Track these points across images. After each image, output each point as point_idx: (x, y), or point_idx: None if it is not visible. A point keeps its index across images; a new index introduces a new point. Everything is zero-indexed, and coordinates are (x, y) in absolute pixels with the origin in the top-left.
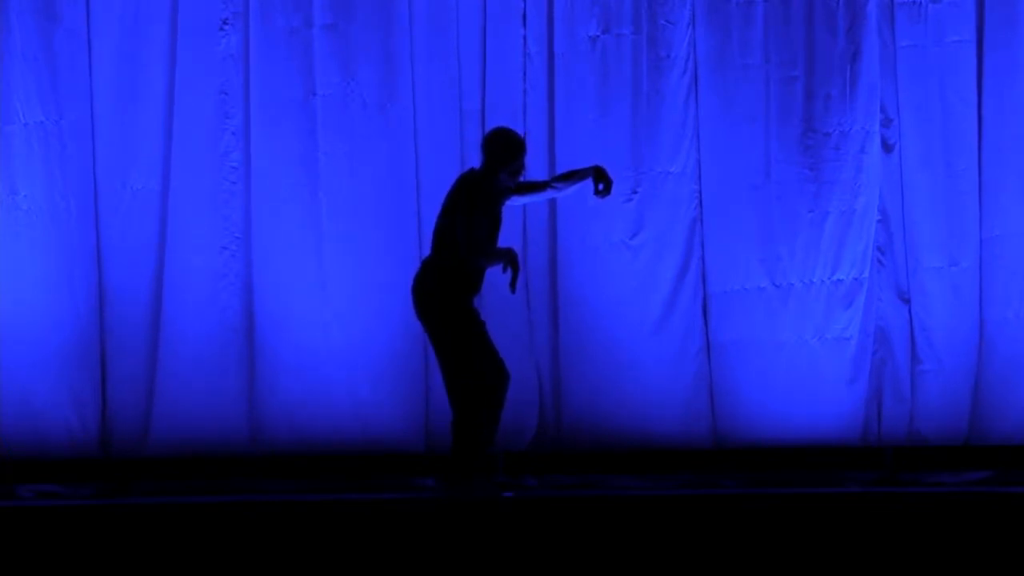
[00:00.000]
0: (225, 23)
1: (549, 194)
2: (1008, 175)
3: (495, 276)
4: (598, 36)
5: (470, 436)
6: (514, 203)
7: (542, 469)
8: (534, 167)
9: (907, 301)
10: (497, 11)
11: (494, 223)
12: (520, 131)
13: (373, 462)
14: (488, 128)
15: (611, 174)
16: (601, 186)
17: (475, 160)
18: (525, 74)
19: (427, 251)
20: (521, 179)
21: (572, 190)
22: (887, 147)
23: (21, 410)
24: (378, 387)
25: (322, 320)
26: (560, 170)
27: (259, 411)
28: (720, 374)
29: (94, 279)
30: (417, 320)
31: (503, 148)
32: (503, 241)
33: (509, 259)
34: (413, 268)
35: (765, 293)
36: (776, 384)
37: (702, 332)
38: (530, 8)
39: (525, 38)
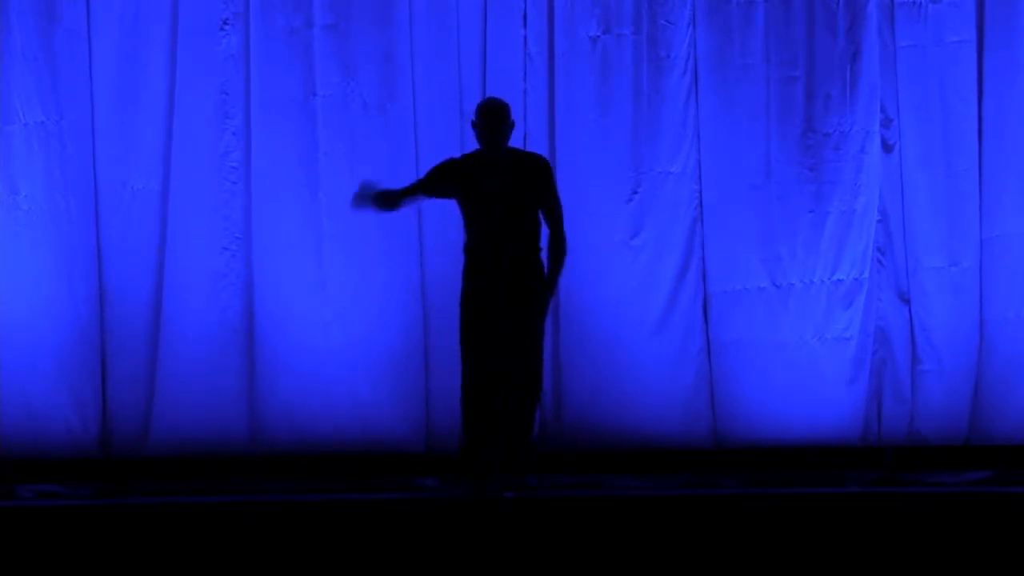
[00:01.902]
0: (225, 23)
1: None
2: (1008, 175)
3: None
4: (598, 36)
5: (462, 435)
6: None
7: (542, 469)
8: None
9: (907, 301)
10: (497, 11)
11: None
12: (520, 131)
13: (373, 462)
14: None
15: (611, 174)
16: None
17: None
18: (525, 74)
19: (427, 252)
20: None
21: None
22: (887, 147)
23: (21, 410)
24: (378, 387)
25: (322, 320)
26: (560, 170)
27: (259, 411)
28: (720, 374)
29: (94, 279)
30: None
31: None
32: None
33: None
34: (413, 268)
35: (765, 293)
36: (776, 384)
37: (702, 332)
38: (530, 8)
39: (525, 38)
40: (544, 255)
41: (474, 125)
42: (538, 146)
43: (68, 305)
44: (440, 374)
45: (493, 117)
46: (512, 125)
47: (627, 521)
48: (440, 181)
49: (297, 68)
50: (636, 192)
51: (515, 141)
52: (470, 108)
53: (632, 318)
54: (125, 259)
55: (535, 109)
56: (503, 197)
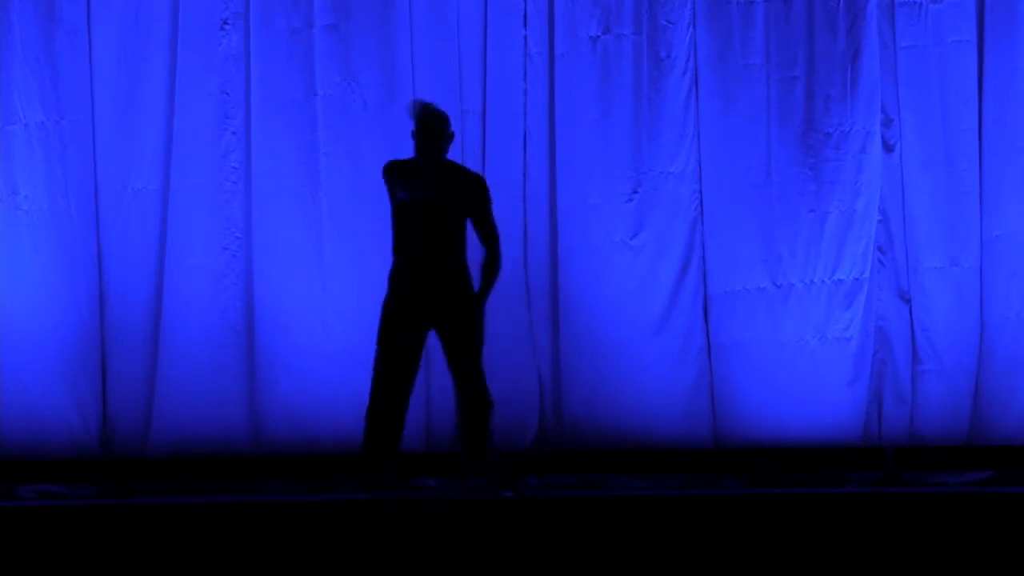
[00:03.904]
0: (226, 23)
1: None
2: (1008, 175)
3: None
4: (599, 36)
5: (364, 432)
6: None
7: (542, 469)
8: (534, 167)
9: (908, 301)
10: (498, 11)
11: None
12: (520, 131)
13: None
14: (486, 127)
15: (611, 174)
16: None
17: (476, 161)
18: (526, 74)
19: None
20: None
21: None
22: (887, 147)
23: (22, 410)
24: None
25: (323, 320)
26: (560, 171)
27: (259, 411)
28: (721, 374)
29: (95, 279)
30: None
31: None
32: (507, 242)
33: None
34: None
35: (766, 293)
36: (777, 384)
37: (703, 332)
38: (531, 8)
39: (526, 38)
40: (475, 271)
41: (413, 134)
42: (538, 146)
43: (68, 305)
44: (440, 374)
45: (430, 126)
46: (451, 136)
47: (627, 521)
48: (386, 183)
49: (297, 68)
50: (636, 192)
51: (516, 140)
52: (470, 108)
53: (632, 318)
54: (125, 259)
55: (535, 109)
56: (429, 207)
